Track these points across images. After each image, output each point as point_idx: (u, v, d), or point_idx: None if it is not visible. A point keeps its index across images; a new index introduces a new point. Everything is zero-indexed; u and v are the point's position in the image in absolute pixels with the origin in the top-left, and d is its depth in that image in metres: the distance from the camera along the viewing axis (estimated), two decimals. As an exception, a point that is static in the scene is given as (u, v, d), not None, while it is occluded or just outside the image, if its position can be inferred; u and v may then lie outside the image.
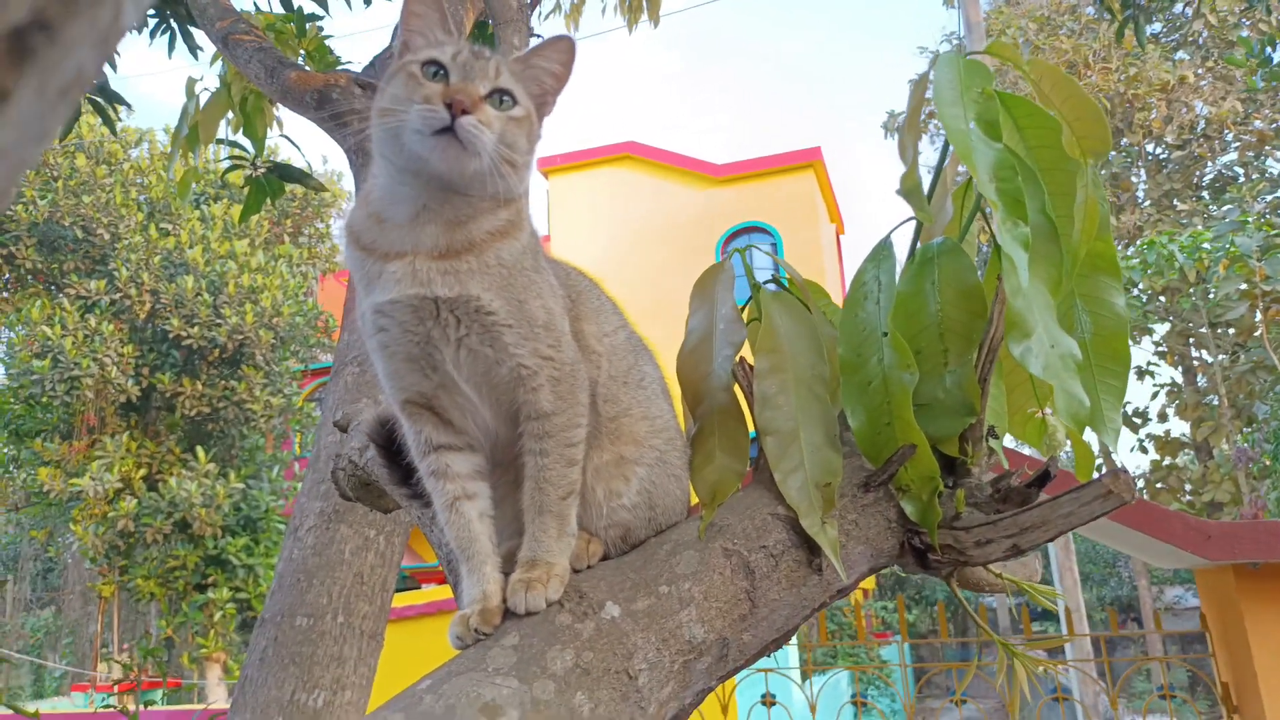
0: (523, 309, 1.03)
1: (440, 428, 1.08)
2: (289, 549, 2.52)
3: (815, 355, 1.26)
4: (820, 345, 1.27)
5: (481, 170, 0.98)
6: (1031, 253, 1.13)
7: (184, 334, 11.18)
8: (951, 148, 1.21)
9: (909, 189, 1.24)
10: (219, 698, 10.43)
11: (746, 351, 1.31)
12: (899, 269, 1.29)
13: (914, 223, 1.39)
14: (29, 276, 12.31)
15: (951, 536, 1.14)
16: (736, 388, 1.29)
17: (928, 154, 20.98)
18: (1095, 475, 1.15)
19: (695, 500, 1.25)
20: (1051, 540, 1.10)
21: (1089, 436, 1.25)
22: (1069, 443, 1.27)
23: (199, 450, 10.73)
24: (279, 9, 5.04)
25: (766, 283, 1.41)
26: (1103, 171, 20.65)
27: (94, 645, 13.24)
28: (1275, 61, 10.02)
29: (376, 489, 1.50)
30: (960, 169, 1.45)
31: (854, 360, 1.21)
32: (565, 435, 1.06)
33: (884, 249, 1.28)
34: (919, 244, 1.33)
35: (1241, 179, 19.90)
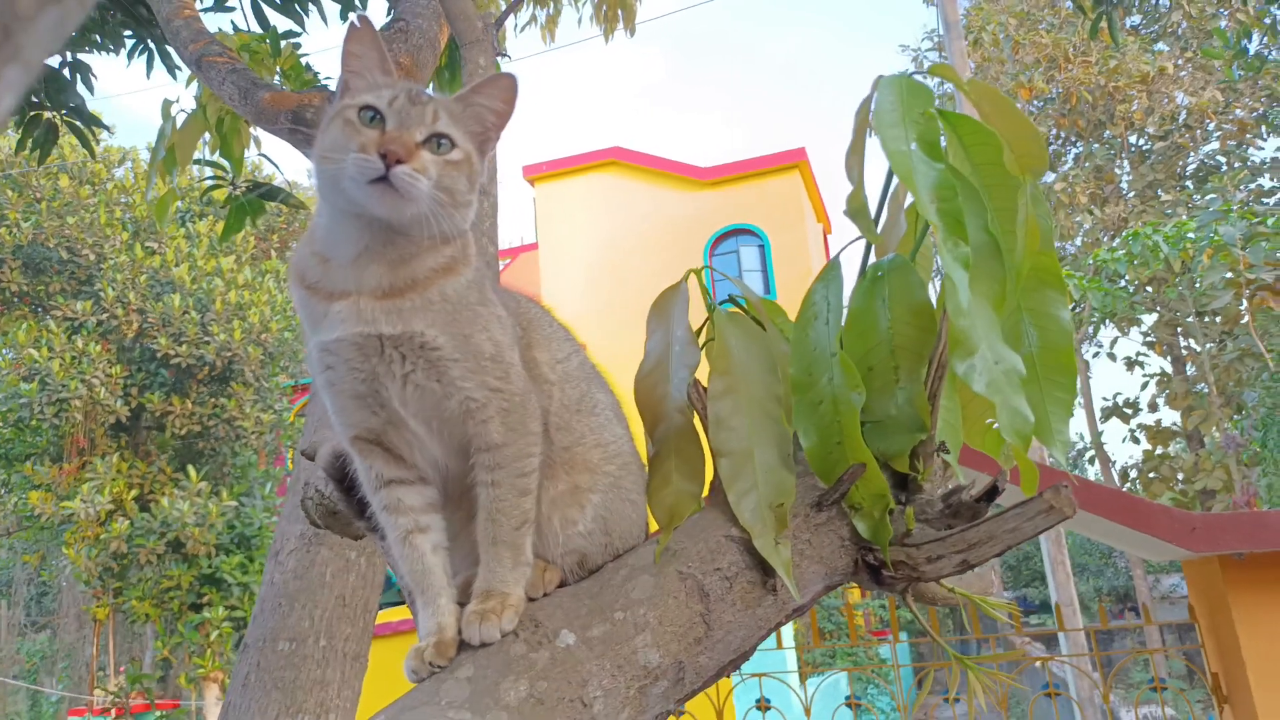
0: (468, 343, 1.05)
1: (391, 462, 1.09)
2: (270, 573, 2.52)
3: (769, 375, 1.28)
4: (775, 365, 1.29)
5: (420, 214, 1.00)
6: (974, 270, 1.15)
7: (172, 352, 11.15)
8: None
9: (855, 209, 1.26)
10: (216, 718, 10.40)
11: (703, 374, 1.33)
12: (848, 288, 1.31)
13: (865, 240, 1.40)
14: (14, 299, 12.27)
15: (904, 553, 1.16)
16: (694, 410, 1.31)
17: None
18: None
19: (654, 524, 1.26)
20: (999, 555, 1.12)
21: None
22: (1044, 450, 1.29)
23: (190, 469, 10.69)
24: (255, 27, 5.05)
25: (722, 303, 1.43)
26: (1087, 163, 20.75)
27: (90, 669, 13.19)
28: (1251, 52, 10.09)
29: (344, 517, 1.50)
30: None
31: (805, 380, 1.22)
32: (517, 465, 1.07)
33: (832, 269, 1.30)
34: (870, 261, 1.35)
35: (1224, 168, 20.02)
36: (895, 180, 1.44)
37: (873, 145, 1.44)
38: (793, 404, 1.22)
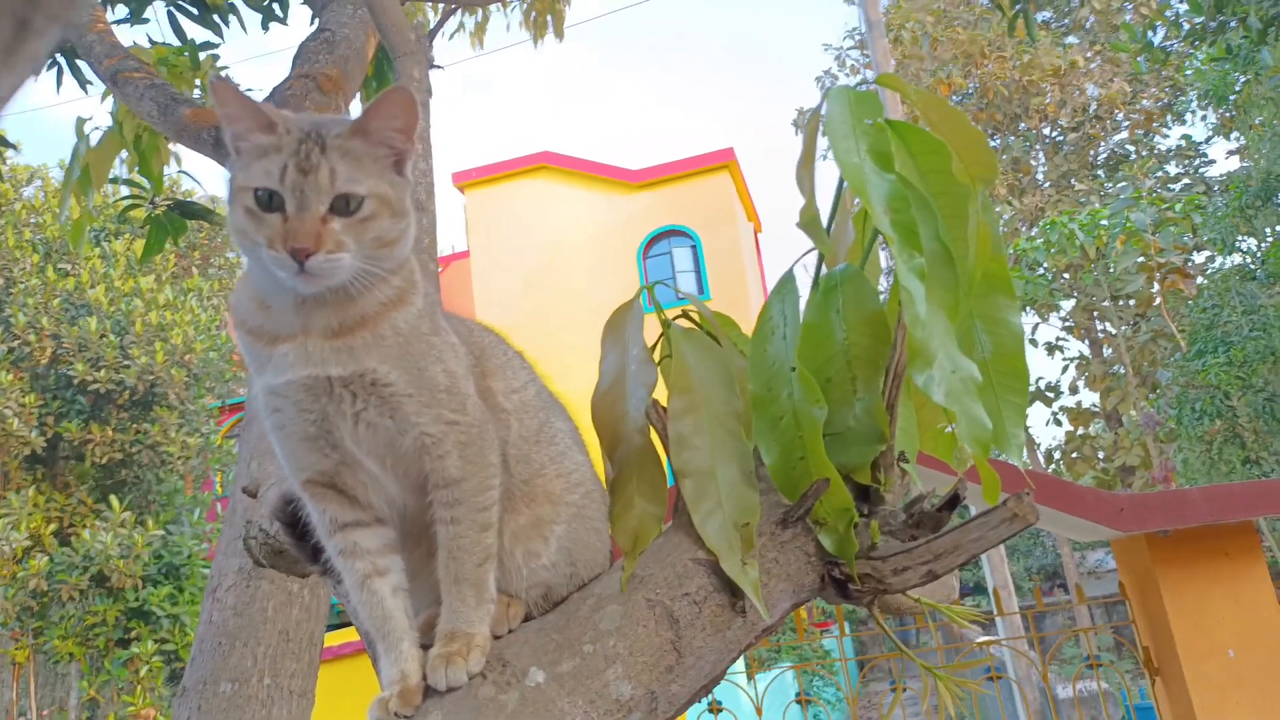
0: (422, 376, 1.01)
1: (345, 505, 1.05)
2: (208, 611, 2.42)
3: (728, 392, 1.26)
4: (733, 381, 1.28)
5: (354, 275, 0.96)
6: (929, 279, 1.15)
7: (90, 378, 10.69)
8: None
9: (808, 221, 1.26)
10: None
11: (660, 392, 1.31)
12: (803, 299, 1.31)
13: (817, 251, 1.40)
14: (-84, 328, 11.62)
15: (870, 566, 1.15)
16: (653, 430, 1.29)
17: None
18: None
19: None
20: (965, 564, 1.12)
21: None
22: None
23: (112, 499, 10.24)
24: (172, 39, 4.87)
25: (676, 319, 1.41)
26: (1004, 156, 21.39)
27: (9, 714, 12.59)
28: (1156, 44, 10.51)
29: (291, 556, 1.44)
30: (857, 194, 1.47)
31: (764, 396, 1.21)
32: (477, 500, 1.04)
33: (787, 282, 1.29)
34: (822, 272, 1.35)
35: (1133, 156, 20.84)
36: (843, 188, 1.44)
37: (800, 139, 1.43)
38: (753, 420, 1.21)
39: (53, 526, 10.53)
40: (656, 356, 1.35)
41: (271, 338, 0.99)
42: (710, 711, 5.02)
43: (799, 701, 5.33)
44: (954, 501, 1.16)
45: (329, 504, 1.04)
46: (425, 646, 1.03)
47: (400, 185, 1.02)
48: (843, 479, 1.17)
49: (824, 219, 1.34)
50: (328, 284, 0.95)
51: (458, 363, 1.05)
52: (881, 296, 1.31)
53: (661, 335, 1.39)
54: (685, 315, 1.43)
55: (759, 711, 5.00)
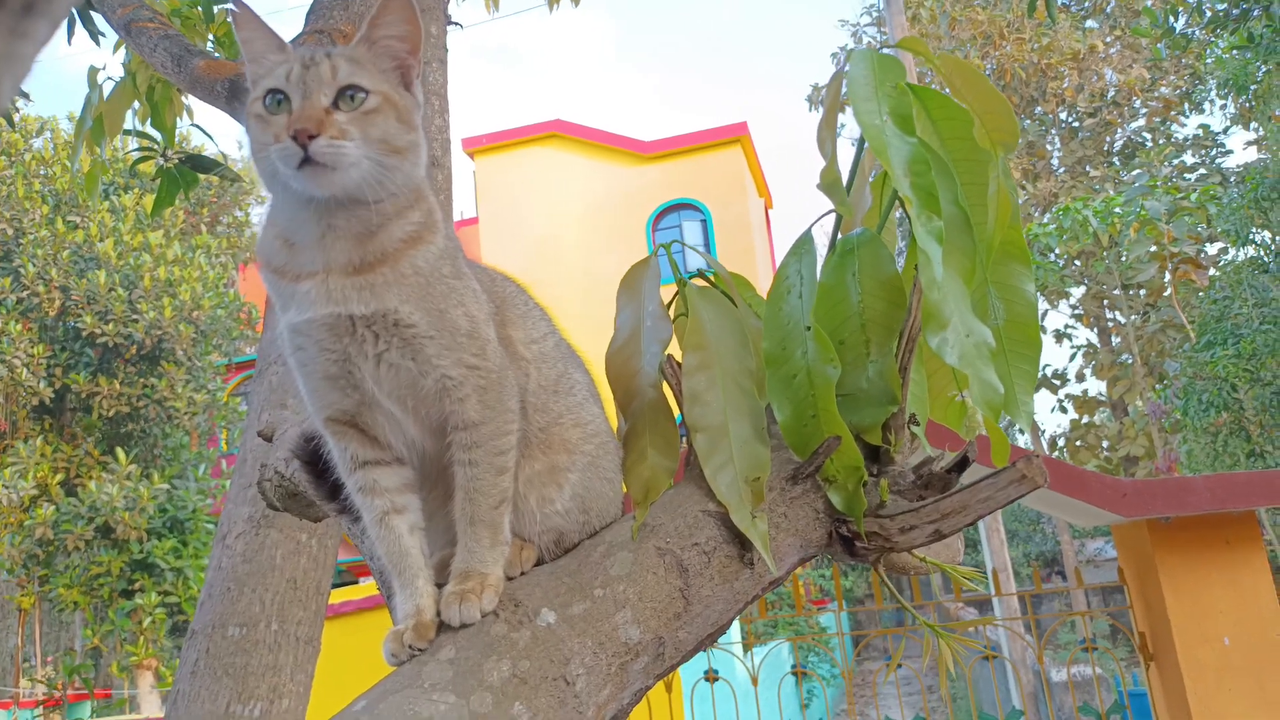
0: (444, 318, 1.02)
1: (366, 443, 1.07)
2: (217, 557, 2.46)
3: (742, 350, 1.27)
4: (746, 339, 1.29)
5: (364, 177, 0.96)
6: (946, 244, 1.16)
7: (98, 331, 10.75)
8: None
9: (829, 183, 1.26)
10: (152, 706, 10.16)
11: (674, 348, 1.32)
12: (820, 261, 1.31)
13: (835, 214, 1.41)
14: (-74, 276, 11.66)
15: (877, 524, 1.17)
16: (666, 385, 1.30)
17: (851, 127, 21.20)
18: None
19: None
20: (971, 524, 1.13)
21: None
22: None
23: (119, 451, 10.34)
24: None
25: (692, 277, 1.42)
26: (1019, 140, 21.19)
27: (15, 660, 12.76)
28: (1178, 30, 10.40)
29: (305, 499, 1.47)
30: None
31: (778, 354, 1.22)
32: (494, 444, 1.05)
33: (805, 242, 1.30)
34: (839, 235, 1.35)
35: (1149, 144, 20.65)
36: (862, 153, 1.44)
37: (815, 115, 1.44)
38: (766, 378, 1.22)
39: (59, 476, 10.64)
40: (671, 314, 1.37)
41: (295, 275, 1.00)
42: (707, 680, 5.08)
43: (794, 674, 5.39)
44: (963, 464, 1.17)
45: (350, 442, 1.06)
46: (440, 585, 1.06)
47: (408, 98, 1.04)
48: (853, 438, 1.18)
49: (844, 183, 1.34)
50: (337, 181, 0.96)
51: (479, 308, 1.07)
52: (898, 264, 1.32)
53: (677, 293, 1.40)
54: (700, 274, 1.44)
55: (754, 682, 5.06)
